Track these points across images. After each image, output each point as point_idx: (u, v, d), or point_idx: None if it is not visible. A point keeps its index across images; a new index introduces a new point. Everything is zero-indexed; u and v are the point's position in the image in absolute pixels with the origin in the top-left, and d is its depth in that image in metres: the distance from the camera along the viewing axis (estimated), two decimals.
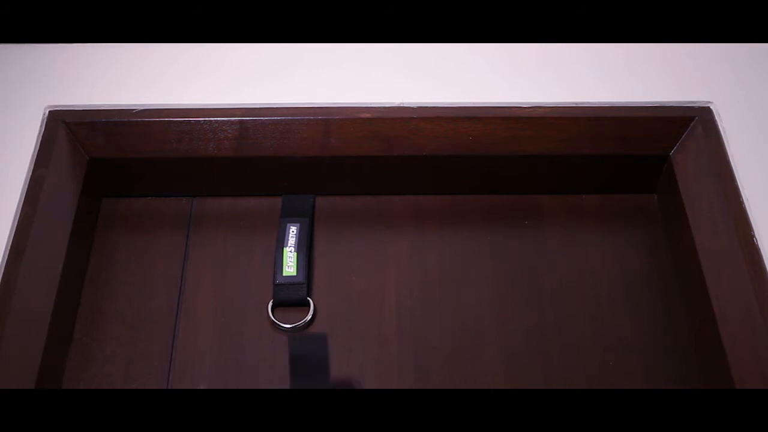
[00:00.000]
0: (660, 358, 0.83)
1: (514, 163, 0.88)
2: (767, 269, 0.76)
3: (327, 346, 0.83)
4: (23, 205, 0.80)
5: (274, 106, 0.87)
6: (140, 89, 0.88)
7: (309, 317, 0.84)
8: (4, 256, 0.77)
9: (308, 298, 0.85)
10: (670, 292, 0.87)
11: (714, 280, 0.79)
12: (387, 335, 0.84)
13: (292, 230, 0.87)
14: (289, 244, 0.86)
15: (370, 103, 0.87)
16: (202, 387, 0.81)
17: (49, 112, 0.87)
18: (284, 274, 0.85)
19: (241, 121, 0.85)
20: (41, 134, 0.85)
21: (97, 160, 0.87)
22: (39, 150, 0.84)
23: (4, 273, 0.77)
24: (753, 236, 0.78)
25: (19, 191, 0.81)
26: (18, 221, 0.79)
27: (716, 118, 0.86)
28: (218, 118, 0.85)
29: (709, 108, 0.87)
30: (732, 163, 0.83)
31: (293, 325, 0.82)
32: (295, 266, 0.85)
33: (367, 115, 0.86)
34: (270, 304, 0.84)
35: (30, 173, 0.83)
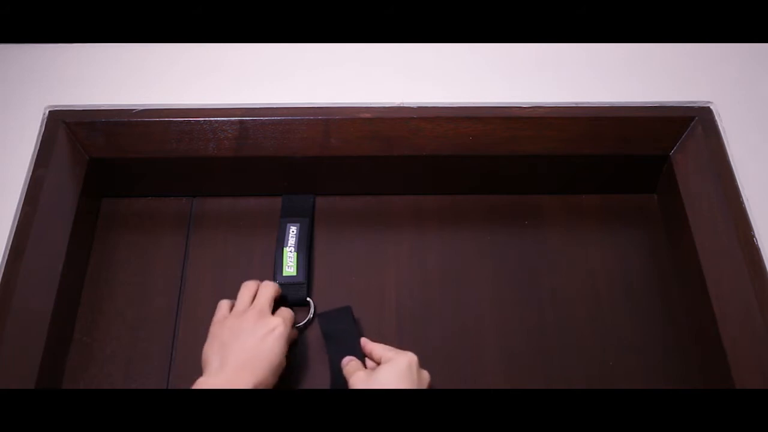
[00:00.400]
0: (660, 358, 0.83)
1: (514, 163, 0.88)
2: (767, 269, 0.76)
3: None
4: (23, 205, 0.80)
5: (274, 106, 0.87)
6: (140, 89, 0.88)
7: (310, 316, 0.84)
8: (4, 256, 0.77)
9: (308, 299, 0.85)
10: (670, 292, 0.87)
11: (714, 280, 0.79)
12: (387, 335, 0.84)
13: (292, 230, 0.87)
14: (289, 244, 0.86)
15: (370, 103, 0.87)
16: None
17: (49, 112, 0.87)
18: (284, 274, 0.85)
19: (241, 121, 0.85)
20: (41, 134, 0.85)
21: (97, 160, 0.87)
22: (39, 150, 0.84)
23: (4, 273, 0.77)
24: (753, 236, 0.78)
25: (19, 191, 0.81)
26: (18, 221, 0.79)
27: (716, 118, 0.86)
28: (218, 118, 0.85)
29: (709, 108, 0.87)
30: (732, 163, 0.83)
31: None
32: (295, 266, 0.85)
33: (367, 115, 0.86)
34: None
35: (30, 173, 0.83)
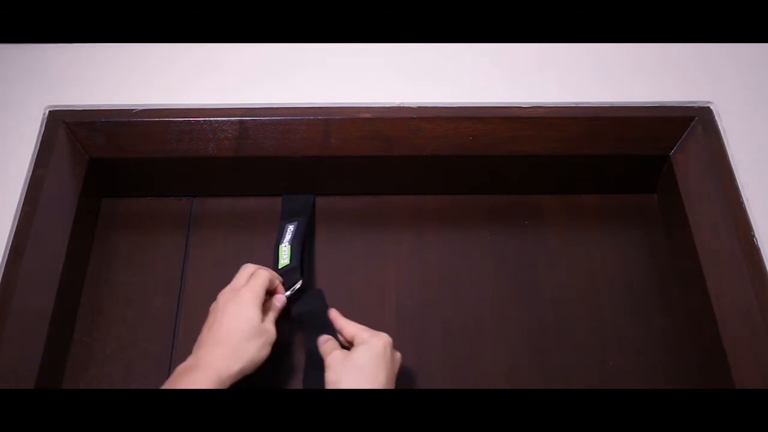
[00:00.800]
0: (660, 358, 0.83)
1: (514, 163, 0.88)
2: (767, 269, 0.76)
3: None
4: (23, 205, 0.80)
5: (274, 106, 0.87)
6: (140, 89, 0.88)
7: (296, 286, 0.82)
8: (4, 256, 0.77)
9: (300, 279, 0.83)
10: (670, 292, 0.87)
11: (714, 280, 0.79)
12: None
13: (289, 228, 0.87)
14: (284, 241, 0.86)
15: (370, 103, 0.87)
16: None
17: (49, 112, 0.87)
18: (279, 266, 0.84)
19: (241, 121, 0.85)
20: (41, 134, 0.85)
21: (97, 160, 0.87)
22: (39, 150, 0.84)
23: (4, 273, 0.77)
24: (753, 236, 0.78)
25: (19, 191, 0.81)
26: (18, 221, 0.79)
27: (716, 118, 0.86)
28: (218, 118, 0.85)
29: (709, 108, 0.87)
30: (732, 163, 0.83)
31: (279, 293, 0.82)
32: (289, 256, 0.84)
33: (367, 115, 0.86)
34: None
35: (30, 173, 0.83)
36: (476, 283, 0.87)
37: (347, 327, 0.77)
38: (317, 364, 0.76)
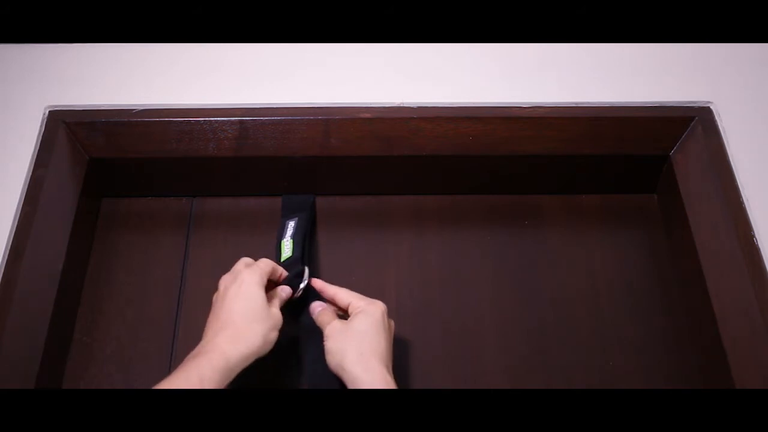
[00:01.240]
0: (660, 358, 0.83)
1: (514, 163, 0.88)
2: (767, 269, 0.76)
3: None
4: (23, 205, 0.80)
5: (274, 106, 0.87)
6: (140, 89, 0.88)
7: (305, 280, 0.81)
8: (4, 256, 0.77)
9: (304, 268, 0.82)
10: (670, 292, 0.87)
11: (714, 280, 0.79)
12: None
13: (290, 224, 0.87)
14: (286, 236, 0.85)
15: (370, 103, 0.87)
16: None
17: (49, 112, 0.87)
18: (282, 260, 0.83)
19: (241, 121, 0.85)
20: (41, 134, 0.85)
21: (97, 160, 0.87)
22: (39, 150, 0.84)
23: (4, 273, 0.77)
24: (753, 236, 0.78)
25: (19, 191, 0.81)
26: (18, 221, 0.79)
27: (716, 118, 0.86)
28: (218, 118, 0.85)
29: (709, 108, 0.87)
30: (732, 163, 0.83)
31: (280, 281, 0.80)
32: (291, 249, 0.84)
33: (367, 115, 0.86)
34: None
35: (30, 173, 0.83)
36: (476, 283, 0.87)
37: (340, 293, 0.77)
38: (314, 335, 0.76)
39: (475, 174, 0.90)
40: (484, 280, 0.88)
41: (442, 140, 0.86)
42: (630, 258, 0.89)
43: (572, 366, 0.82)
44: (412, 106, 0.87)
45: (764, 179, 0.82)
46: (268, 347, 0.72)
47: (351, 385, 0.70)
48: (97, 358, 0.83)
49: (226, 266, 0.87)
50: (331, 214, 0.92)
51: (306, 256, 0.85)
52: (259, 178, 0.90)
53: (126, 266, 0.88)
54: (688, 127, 0.86)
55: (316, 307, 0.78)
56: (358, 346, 0.71)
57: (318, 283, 0.80)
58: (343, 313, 0.77)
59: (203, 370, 0.66)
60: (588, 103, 0.87)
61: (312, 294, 0.81)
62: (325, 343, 0.74)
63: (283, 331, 0.74)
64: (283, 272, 0.80)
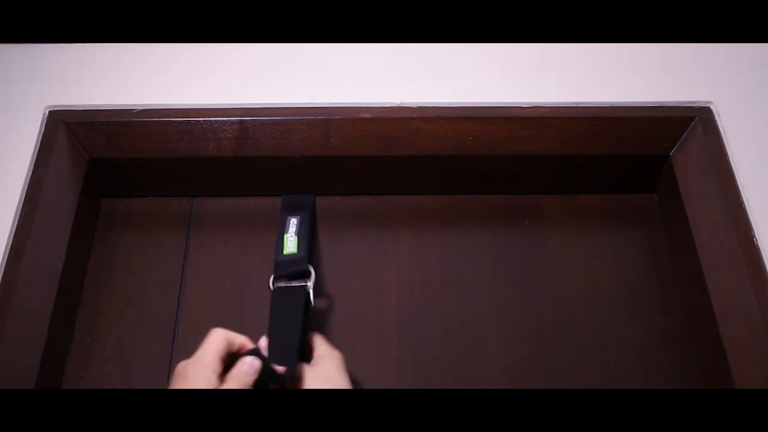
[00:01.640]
0: (660, 358, 0.83)
1: (514, 163, 0.88)
2: (767, 269, 0.76)
3: None
4: (23, 205, 0.80)
5: (274, 106, 0.87)
6: (140, 89, 0.88)
7: (311, 283, 0.79)
8: (4, 256, 0.77)
9: (310, 269, 0.80)
10: (670, 292, 0.87)
11: (714, 280, 0.79)
12: (387, 335, 0.84)
13: (293, 221, 0.86)
14: (289, 231, 0.84)
15: (370, 103, 0.87)
16: None
17: (49, 112, 0.87)
18: (285, 252, 0.81)
19: (241, 121, 0.85)
20: (41, 134, 0.85)
21: (97, 160, 0.87)
22: (39, 150, 0.84)
23: (4, 273, 0.77)
24: (753, 236, 0.78)
25: (19, 191, 0.81)
26: (18, 221, 0.79)
27: (716, 118, 0.86)
28: (218, 118, 0.85)
29: (709, 108, 0.87)
30: (732, 163, 0.83)
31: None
32: (296, 246, 0.82)
33: (367, 115, 0.86)
34: (271, 279, 0.80)
35: (30, 173, 0.83)
36: (476, 283, 0.87)
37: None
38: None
39: (475, 174, 0.90)
40: (484, 280, 0.88)
41: (442, 140, 0.86)
42: (630, 258, 0.89)
43: (572, 366, 0.82)
44: (412, 106, 0.87)
45: (764, 179, 0.82)
46: None
47: None
48: (97, 358, 0.83)
49: (226, 266, 0.88)
50: (331, 214, 0.92)
51: (313, 256, 0.84)
52: (259, 178, 0.90)
53: (126, 266, 0.88)
54: (688, 127, 0.86)
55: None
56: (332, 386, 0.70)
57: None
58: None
59: None
60: (588, 103, 0.87)
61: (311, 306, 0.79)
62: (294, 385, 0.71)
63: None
64: (245, 342, 0.73)
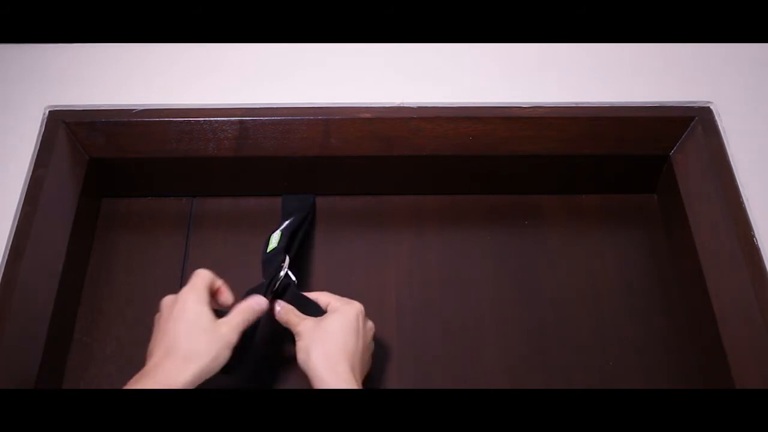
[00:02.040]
0: (660, 358, 0.83)
1: (514, 163, 0.88)
2: (767, 269, 0.76)
3: None
4: (23, 205, 0.80)
5: (274, 106, 0.87)
6: (140, 89, 0.88)
7: (281, 275, 0.79)
8: (4, 256, 0.77)
9: (283, 263, 0.80)
10: (670, 292, 0.87)
11: (714, 280, 0.79)
12: (387, 335, 0.84)
13: (285, 223, 0.86)
14: (277, 230, 0.84)
15: (370, 103, 0.87)
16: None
17: (49, 112, 0.87)
18: (268, 250, 0.82)
19: (241, 121, 0.85)
20: (41, 134, 0.85)
21: (97, 160, 0.87)
22: (39, 150, 0.84)
23: (4, 273, 0.77)
24: (753, 236, 0.78)
25: (19, 191, 0.81)
26: (18, 221, 0.79)
27: (716, 118, 0.86)
28: (218, 118, 0.85)
29: (709, 108, 0.87)
30: (732, 163, 0.83)
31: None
32: (278, 241, 0.82)
33: (367, 115, 0.86)
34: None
35: (30, 173, 0.83)
36: (476, 283, 0.87)
37: (321, 297, 0.77)
38: (282, 335, 0.76)
39: (475, 174, 0.90)
40: (484, 280, 0.88)
41: (442, 140, 0.86)
42: (630, 258, 0.89)
43: (572, 366, 0.82)
44: (412, 106, 0.87)
45: (764, 179, 0.82)
46: (218, 367, 0.69)
47: (315, 386, 0.70)
48: (97, 358, 0.83)
49: (226, 266, 0.87)
50: (331, 214, 0.92)
51: (293, 249, 0.84)
52: (259, 178, 0.90)
53: (126, 266, 0.88)
54: (688, 127, 0.86)
55: (277, 307, 0.77)
56: (325, 345, 0.71)
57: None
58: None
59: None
60: (588, 103, 0.87)
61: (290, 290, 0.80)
62: (297, 342, 0.73)
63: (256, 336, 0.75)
64: (222, 284, 0.76)
